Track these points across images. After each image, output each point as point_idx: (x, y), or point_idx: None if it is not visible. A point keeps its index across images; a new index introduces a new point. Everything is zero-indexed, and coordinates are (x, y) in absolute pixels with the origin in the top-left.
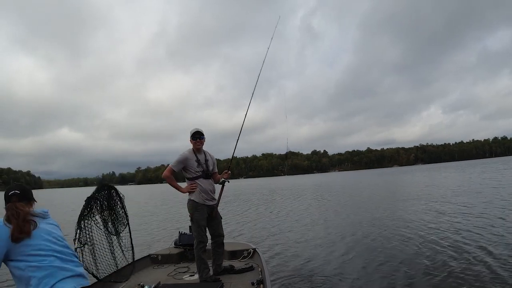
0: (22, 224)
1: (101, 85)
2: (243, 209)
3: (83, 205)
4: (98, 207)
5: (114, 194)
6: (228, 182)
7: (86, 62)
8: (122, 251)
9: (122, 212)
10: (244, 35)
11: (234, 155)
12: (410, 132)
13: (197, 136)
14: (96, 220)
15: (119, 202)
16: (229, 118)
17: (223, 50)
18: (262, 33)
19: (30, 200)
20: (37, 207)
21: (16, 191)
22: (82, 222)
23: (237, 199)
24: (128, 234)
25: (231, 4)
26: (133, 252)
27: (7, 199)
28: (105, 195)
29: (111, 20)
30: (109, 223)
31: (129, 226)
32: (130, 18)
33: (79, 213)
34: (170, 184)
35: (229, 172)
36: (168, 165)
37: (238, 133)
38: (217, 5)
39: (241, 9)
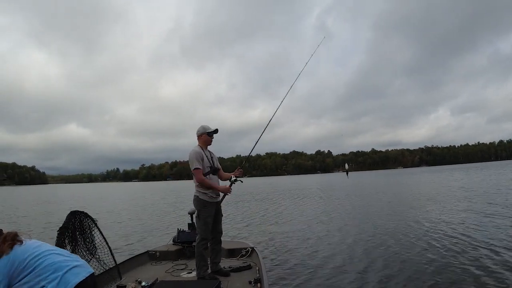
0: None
1: (114, 80)
2: (242, 208)
3: (56, 237)
4: (69, 237)
5: (84, 220)
6: (242, 182)
7: (100, 57)
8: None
9: (91, 236)
10: (259, 34)
11: (238, 153)
12: (416, 134)
13: (216, 132)
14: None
15: (90, 226)
16: (238, 116)
17: (237, 48)
18: (277, 32)
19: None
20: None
21: None
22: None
23: (237, 198)
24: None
25: (247, 2)
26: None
27: None
28: (76, 224)
29: (127, 15)
30: (82, 250)
31: (108, 245)
32: (146, 13)
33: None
34: (207, 185)
35: (241, 170)
36: (192, 168)
37: (244, 132)
38: (233, 3)
39: (257, 8)
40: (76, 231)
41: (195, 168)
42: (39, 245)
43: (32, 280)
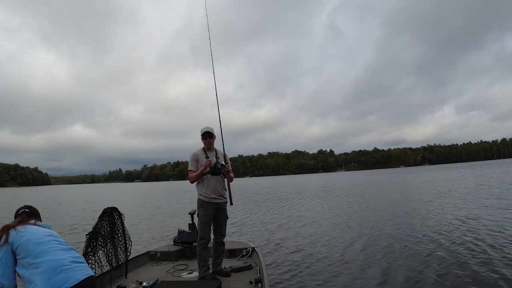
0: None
1: (121, 81)
2: (244, 208)
3: (86, 242)
4: (100, 242)
5: (116, 216)
6: (221, 165)
7: (109, 58)
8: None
9: (122, 236)
10: (269, 34)
11: (241, 153)
12: (420, 133)
13: (207, 136)
14: (99, 256)
15: (120, 226)
16: (244, 116)
17: (246, 48)
18: (287, 31)
19: (38, 218)
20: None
21: (25, 209)
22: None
23: (238, 198)
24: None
25: (258, 1)
26: (126, 270)
27: (16, 216)
28: (106, 225)
29: (137, 16)
30: (112, 256)
31: (127, 248)
32: (156, 13)
33: (83, 250)
34: (196, 177)
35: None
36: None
37: (250, 131)
38: (243, 2)
39: (267, 7)
40: (107, 228)
41: (188, 170)
42: (41, 231)
43: (29, 267)
